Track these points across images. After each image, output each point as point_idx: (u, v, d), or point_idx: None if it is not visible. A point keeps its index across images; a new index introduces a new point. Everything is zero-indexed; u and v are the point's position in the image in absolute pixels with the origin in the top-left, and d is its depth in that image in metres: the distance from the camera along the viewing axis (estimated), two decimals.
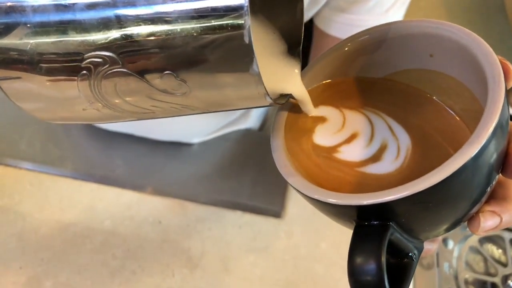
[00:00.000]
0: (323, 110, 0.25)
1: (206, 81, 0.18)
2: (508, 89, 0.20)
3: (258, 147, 0.55)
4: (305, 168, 0.22)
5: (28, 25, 0.17)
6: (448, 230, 0.22)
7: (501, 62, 0.20)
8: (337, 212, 0.20)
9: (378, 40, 0.24)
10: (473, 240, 0.49)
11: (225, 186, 0.51)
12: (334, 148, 0.23)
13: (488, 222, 0.21)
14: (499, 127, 0.18)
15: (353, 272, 0.18)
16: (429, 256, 0.48)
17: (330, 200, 0.19)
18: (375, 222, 0.19)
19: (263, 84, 0.17)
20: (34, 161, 0.51)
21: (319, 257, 0.47)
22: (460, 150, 0.17)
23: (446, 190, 0.18)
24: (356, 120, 0.24)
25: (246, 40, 0.16)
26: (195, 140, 0.54)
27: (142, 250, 0.46)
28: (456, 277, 0.46)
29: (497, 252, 0.49)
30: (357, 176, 0.22)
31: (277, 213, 0.50)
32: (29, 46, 0.17)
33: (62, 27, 0.17)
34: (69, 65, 0.17)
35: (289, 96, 0.23)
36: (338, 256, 0.47)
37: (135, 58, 0.17)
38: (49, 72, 0.18)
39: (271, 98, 0.18)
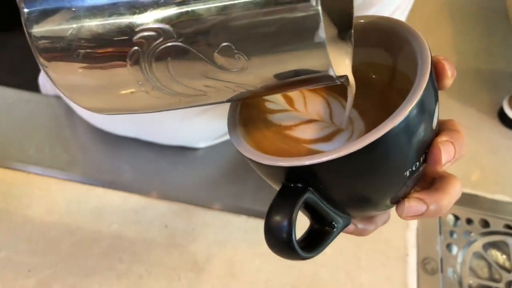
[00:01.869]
0: None
1: (266, 53, 0.16)
2: (441, 87, 0.22)
3: None
4: (252, 136, 0.23)
5: (73, 9, 0.16)
6: (371, 209, 0.24)
7: (438, 61, 0.21)
8: (268, 173, 0.22)
9: None
10: (477, 245, 0.49)
11: (230, 190, 0.52)
12: (287, 126, 0.24)
13: (412, 207, 0.22)
14: (419, 111, 0.19)
15: (267, 228, 0.20)
16: (433, 262, 0.48)
17: (259, 160, 0.20)
18: (298, 185, 0.20)
19: (328, 52, 0.16)
20: (42, 165, 0.51)
21: (324, 261, 0.48)
22: (377, 127, 0.18)
23: (353, 162, 0.19)
24: (315, 102, 0.25)
25: (313, 3, 0.15)
26: (201, 144, 0.54)
27: (149, 254, 0.47)
28: (460, 283, 0.46)
29: (501, 258, 0.49)
30: (302, 151, 0.23)
31: None
32: (75, 29, 0.16)
33: (113, 2, 0.16)
34: (120, 41, 0.16)
35: (345, 77, 0.22)
36: (342, 261, 0.48)
37: (191, 30, 0.16)
38: (99, 51, 0.17)
39: (334, 71, 0.17)
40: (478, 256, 0.49)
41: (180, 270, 0.46)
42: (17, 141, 0.53)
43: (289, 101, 0.25)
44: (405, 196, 0.23)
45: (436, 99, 0.21)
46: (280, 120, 0.24)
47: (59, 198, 0.50)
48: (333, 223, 0.23)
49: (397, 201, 0.23)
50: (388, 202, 0.23)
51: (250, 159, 0.21)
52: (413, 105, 0.19)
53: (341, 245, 0.49)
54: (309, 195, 0.20)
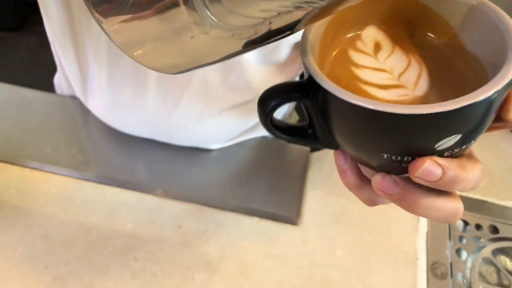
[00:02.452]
0: (376, 34, 0.26)
1: None
2: None
3: (274, 154, 0.57)
4: (317, 50, 0.24)
5: None
6: (356, 154, 0.24)
7: None
8: (304, 71, 0.23)
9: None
10: (487, 251, 0.50)
11: (243, 192, 0.53)
12: (356, 64, 0.25)
13: (384, 183, 0.22)
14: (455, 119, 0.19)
15: (260, 96, 0.23)
16: (442, 266, 0.48)
17: (306, 62, 0.22)
18: (311, 91, 0.22)
19: None
20: (58, 165, 0.52)
21: (334, 264, 0.48)
22: (391, 104, 0.19)
23: (356, 117, 0.20)
24: (398, 59, 0.25)
25: None
26: (214, 146, 0.55)
27: (163, 254, 0.47)
28: None
29: (510, 263, 0.50)
30: (355, 88, 0.23)
31: (293, 220, 0.51)
32: None
33: None
34: None
35: None
36: (352, 264, 0.48)
37: None
38: None
39: None
40: (487, 261, 0.49)
41: (193, 269, 0.47)
42: (34, 140, 0.54)
43: (377, 48, 0.26)
44: (390, 171, 0.23)
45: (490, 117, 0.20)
46: (353, 56, 0.25)
47: (75, 197, 0.51)
48: (319, 136, 0.25)
49: (381, 170, 0.23)
50: (371, 163, 0.24)
51: (300, 54, 0.23)
52: (462, 105, 0.18)
53: (351, 248, 0.49)
54: (308, 103, 0.23)
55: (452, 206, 0.23)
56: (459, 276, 0.48)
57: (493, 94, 0.18)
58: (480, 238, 0.51)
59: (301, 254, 0.49)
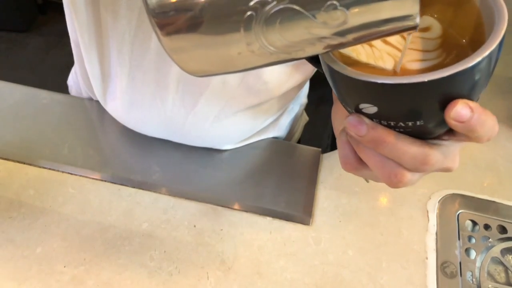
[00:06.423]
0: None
1: (365, 6, 0.19)
2: None
3: (286, 155, 0.58)
4: None
5: None
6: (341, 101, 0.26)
7: None
8: None
9: None
10: (495, 251, 0.51)
11: (255, 192, 0.54)
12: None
13: (353, 124, 0.24)
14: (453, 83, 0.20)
15: None
16: (452, 265, 0.49)
17: None
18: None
19: (418, 5, 0.19)
20: (75, 165, 0.53)
21: (346, 263, 0.49)
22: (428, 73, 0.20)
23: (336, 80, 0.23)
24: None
25: None
26: (227, 146, 0.56)
27: (178, 253, 0.48)
28: (478, 287, 0.48)
29: None
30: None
31: (305, 220, 0.52)
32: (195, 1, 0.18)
33: None
34: (236, 7, 0.18)
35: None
36: (364, 263, 0.49)
37: None
38: (216, 19, 0.18)
39: (418, 21, 0.20)
40: (496, 261, 0.50)
41: (208, 268, 0.48)
42: (51, 142, 0.55)
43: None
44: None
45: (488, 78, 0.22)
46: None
47: (92, 197, 0.52)
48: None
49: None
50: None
51: None
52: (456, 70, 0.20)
53: (363, 247, 0.50)
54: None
55: (420, 151, 0.24)
56: (468, 275, 0.49)
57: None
58: (488, 238, 0.52)
59: (313, 254, 0.50)
